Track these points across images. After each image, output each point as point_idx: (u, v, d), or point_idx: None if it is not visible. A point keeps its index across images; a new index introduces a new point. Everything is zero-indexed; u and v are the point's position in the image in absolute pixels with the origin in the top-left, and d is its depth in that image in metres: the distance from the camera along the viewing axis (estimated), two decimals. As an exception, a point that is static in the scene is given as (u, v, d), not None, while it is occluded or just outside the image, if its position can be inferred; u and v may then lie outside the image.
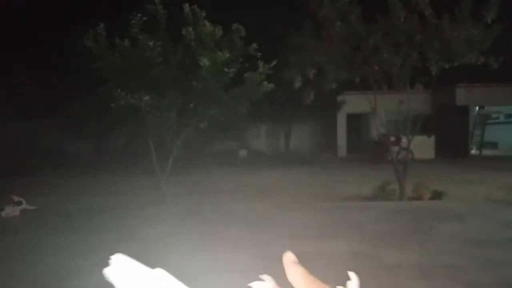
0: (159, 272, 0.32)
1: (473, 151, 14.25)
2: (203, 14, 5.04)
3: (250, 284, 0.35)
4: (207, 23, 4.95)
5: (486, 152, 14.46)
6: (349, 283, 0.35)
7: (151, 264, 0.33)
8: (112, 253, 0.33)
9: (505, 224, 4.03)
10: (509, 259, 2.97)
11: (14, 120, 14.15)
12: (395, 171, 5.89)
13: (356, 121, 14.97)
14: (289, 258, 0.39)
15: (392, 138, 10.17)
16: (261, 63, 4.98)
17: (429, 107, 12.73)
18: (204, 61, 4.75)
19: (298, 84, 5.88)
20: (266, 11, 12.42)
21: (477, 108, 14.89)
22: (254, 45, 4.98)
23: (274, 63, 4.99)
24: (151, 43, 4.87)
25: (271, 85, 5.03)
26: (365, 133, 14.90)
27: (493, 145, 15.59)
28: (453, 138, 13.03)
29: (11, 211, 5.22)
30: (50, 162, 12.36)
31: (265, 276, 0.35)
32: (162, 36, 5.13)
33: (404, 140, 10.40)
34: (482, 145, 14.79)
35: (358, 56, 5.64)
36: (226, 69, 4.91)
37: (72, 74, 11.99)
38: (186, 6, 4.99)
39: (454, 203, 5.20)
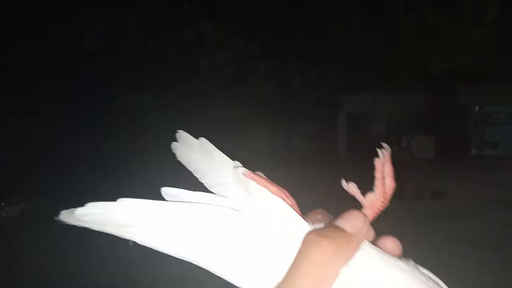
0: None
1: (473, 151, 14.23)
2: (204, 13, 5.04)
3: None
4: (207, 23, 4.95)
5: (486, 152, 14.43)
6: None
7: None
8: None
9: (505, 224, 4.02)
10: (509, 259, 2.97)
11: (12, 118, 14.11)
12: (395, 171, 5.87)
13: (356, 121, 14.97)
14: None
15: (392, 138, 10.15)
16: (261, 63, 4.98)
17: (429, 107, 12.73)
18: (204, 61, 4.75)
19: (298, 84, 5.88)
20: (266, 10, 12.40)
21: (477, 108, 14.88)
22: (255, 45, 4.98)
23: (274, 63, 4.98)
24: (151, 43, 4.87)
25: (271, 85, 5.03)
26: (366, 133, 14.90)
27: (493, 145, 15.57)
28: (453, 138, 13.01)
29: (11, 210, 5.22)
30: (49, 161, 12.34)
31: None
32: (162, 35, 5.13)
33: (404, 140, 10.40)
34: (482, 145, 14.76)
35: (358, 55, 5.64)
36: (226, 69, 4.91)
37: (70, 73, 11.97)
38: (186, 6, 4.99)
39: (454, 203, 5.19)
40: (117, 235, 0.31)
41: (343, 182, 0.34)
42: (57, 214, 0.32)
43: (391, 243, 0.32)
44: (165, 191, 0.34)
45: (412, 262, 0.31)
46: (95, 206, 0.31)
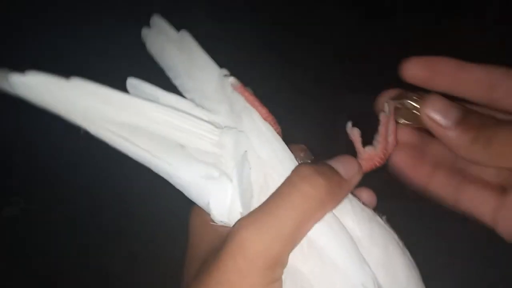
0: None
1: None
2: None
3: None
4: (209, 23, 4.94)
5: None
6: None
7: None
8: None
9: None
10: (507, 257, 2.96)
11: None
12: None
13: (356, 122, 14.94)
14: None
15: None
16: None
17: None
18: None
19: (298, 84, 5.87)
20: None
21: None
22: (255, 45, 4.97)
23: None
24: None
25: (271, 85, 5.03)
26: (366, 133, 14.88)
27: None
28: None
29: (11, 210, 5.20)
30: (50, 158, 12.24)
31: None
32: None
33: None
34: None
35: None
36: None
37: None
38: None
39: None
40: (60, 116, 0.26)
41: (349, 125, 0.33)
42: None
43: (367, 195, 0.32)
44: (132, 82, 0.28)
45: (384, 218, 0.30)
46: (38, 78, 0.25)
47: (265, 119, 0.29)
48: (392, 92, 0.31)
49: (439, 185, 0.29)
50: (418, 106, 0.28)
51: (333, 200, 0.25)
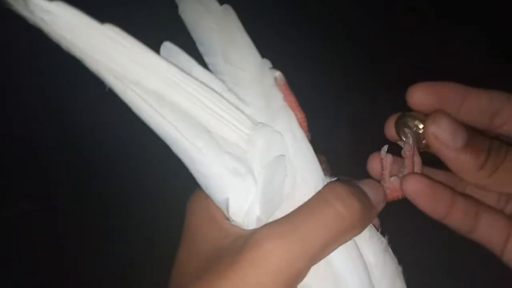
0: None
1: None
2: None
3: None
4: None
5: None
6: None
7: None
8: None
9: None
10: None
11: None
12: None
13: (357, 122, 14.90)
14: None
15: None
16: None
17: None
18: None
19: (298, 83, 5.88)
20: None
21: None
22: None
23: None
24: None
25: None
26: (366, 133, 14.84)
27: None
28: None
29: (11, 210, 5.18)
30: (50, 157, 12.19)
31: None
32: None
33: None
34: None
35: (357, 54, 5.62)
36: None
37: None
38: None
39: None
40: (82, 61, 0.22)
41: (384, 150, 0.29)
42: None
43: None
44: (168, 47, 0.25)
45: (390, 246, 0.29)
46: (68, 10, 0.21)
47: (301, 126, 0.26)
48: (395, 116, 0.29)
49: (459, 217, 0.27)
50: (422, 126, 0.26)
51: (363, 225, 0.24)
